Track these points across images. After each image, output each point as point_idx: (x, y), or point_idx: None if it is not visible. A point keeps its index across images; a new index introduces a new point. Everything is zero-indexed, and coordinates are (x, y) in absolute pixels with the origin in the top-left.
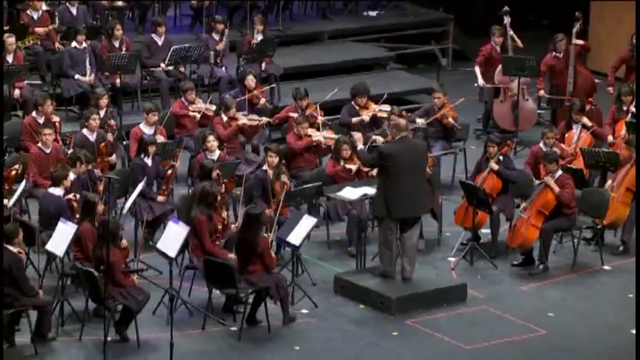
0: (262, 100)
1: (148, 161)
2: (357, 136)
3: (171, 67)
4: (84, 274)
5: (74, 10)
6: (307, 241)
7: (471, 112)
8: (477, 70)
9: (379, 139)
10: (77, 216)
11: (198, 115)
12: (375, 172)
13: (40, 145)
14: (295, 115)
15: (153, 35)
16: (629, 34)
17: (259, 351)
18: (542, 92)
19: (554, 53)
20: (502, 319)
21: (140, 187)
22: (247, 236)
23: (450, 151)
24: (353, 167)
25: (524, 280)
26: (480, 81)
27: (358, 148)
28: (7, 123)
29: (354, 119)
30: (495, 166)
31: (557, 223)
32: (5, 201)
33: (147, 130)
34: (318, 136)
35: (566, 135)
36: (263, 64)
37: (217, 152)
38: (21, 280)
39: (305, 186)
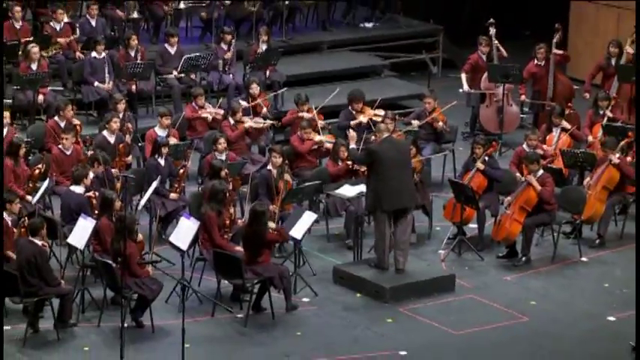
0: (264, 110)
1: (162, 161)
2: (352, 134)
3: (182, 75)
4: (102, 266)
5: (94, 22)
6: (308, 235)
7: (459, 116)
8: (463, 76)
9: (373, 137)
10: (96, 212)
11: (210, 117)
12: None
13: (61, 147)
14: (304, 114)
15: (166, 45)
16: (605, 44)
17: (264, 336)
18: (523, 97)
19: (536, 61)
20: (488, 306)
21: (154, 185)
22: (254, 230)
23: (439, 152)
24: (348, 162)
25: (509, 271)
26: (465, 87)
27: (350, 147)
28: (32, 126)
29: (352, 122)
30: (481, 166)
31: (538, 219)
32: (29, 197)
33: (161, 132)
34: (318, 138)
35: (547, 137)
36: (267, 72)
37: (226, 152)
38: (45, 271)
39: (306, 184)
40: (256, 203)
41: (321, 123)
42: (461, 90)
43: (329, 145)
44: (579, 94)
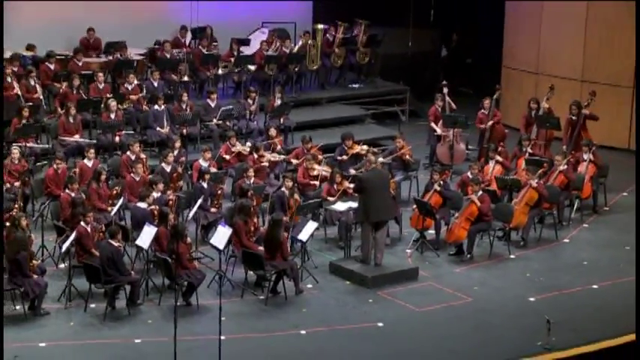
0: (278, 147)
1: (205, 185)
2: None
3: (220, 122)
4: (161, 261)
5: (155, 83)
6: (311, 239)
7: (421, 151)
8: (433, 124)
9: (352, 171)
10: (156, 222)
11: (227, 156)
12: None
13: (132, 174)
14: (295, 161)
15: (208, 100)
16: (527, 100)
17: (279, 312)
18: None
19: (482, 110)
20: (442, 291)
21: (199, 202)
22: (272, 235)
23: (407, 178)
24: (331, 199)
25: (457, 265)
26: (438, 130)
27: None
28: (111, 159)
29: (339, 157)
30: (438, 188)
31: (479, 226)
32: (111, 210)
33: (204, 163)
34: (318, 169)
35: (485, 167)
36: (282, 120)
37: (252, 178)
38: (119, 265)
39: (310, 201)
40: (274, 214)
41: (321, 157)
42: (435, 133)
43: (325, 174)
44: (509, 136)
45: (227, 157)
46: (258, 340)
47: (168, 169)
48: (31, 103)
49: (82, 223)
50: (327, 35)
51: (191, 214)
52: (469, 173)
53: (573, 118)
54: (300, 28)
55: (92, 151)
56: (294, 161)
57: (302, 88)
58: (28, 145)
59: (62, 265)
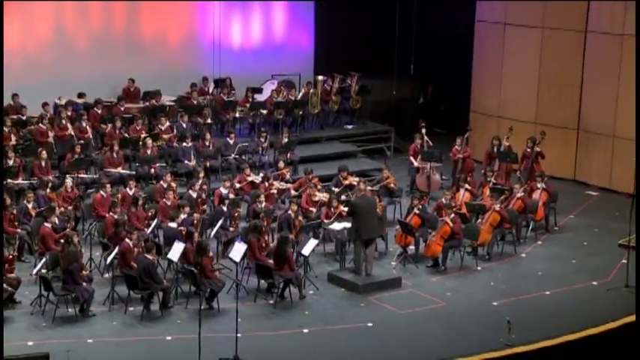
0: (287, 177)
1: (224, 208)
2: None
3: (237, 156)
4: (188, 272)
5: (184, 125)
6: (313, 253)
7: (404, 181)
8: (412, 159)
9: (344, 197)
10: (184, 239)
11: (234, 185)
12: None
13: (165, 200)
14: (294, 192)
15: (227, 138)
16: (490, 138)
17: (285, 314)
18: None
19: (456, 146)
20: (421, 296)
21: (220, 222)
22: (280, 250)
23: (392, 203)
24: (328, 221)
25: (434, 275)
26: (416, 164)
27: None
28: (147, 187)
29: (336, 189)
30: (417, 211)
31: (451, 243)
32: (147, 230)
33: (224, 190)
34: (318, 195)
35: (456, 194)
36: (289, 154)
37: (264, 203)
38: (154, 275)
39: (311, 222)
40: (282, 233)
41: (319, 186)
42: (412, 165)
43: (324, 200)
44: (476, 168)
45: (238, 184)
46: (269, 337)
47: (194, 195)
48: (82, 141)
49: (127, 240)
50: (326, 85)
51: (213, 232)
52: (443, 199)
53: (528, 150)
54: (303, 79)
55: (133, 181)
56: (293, 192)
57: (305, 128)
58: (79, 175)
59: (106, 275)
